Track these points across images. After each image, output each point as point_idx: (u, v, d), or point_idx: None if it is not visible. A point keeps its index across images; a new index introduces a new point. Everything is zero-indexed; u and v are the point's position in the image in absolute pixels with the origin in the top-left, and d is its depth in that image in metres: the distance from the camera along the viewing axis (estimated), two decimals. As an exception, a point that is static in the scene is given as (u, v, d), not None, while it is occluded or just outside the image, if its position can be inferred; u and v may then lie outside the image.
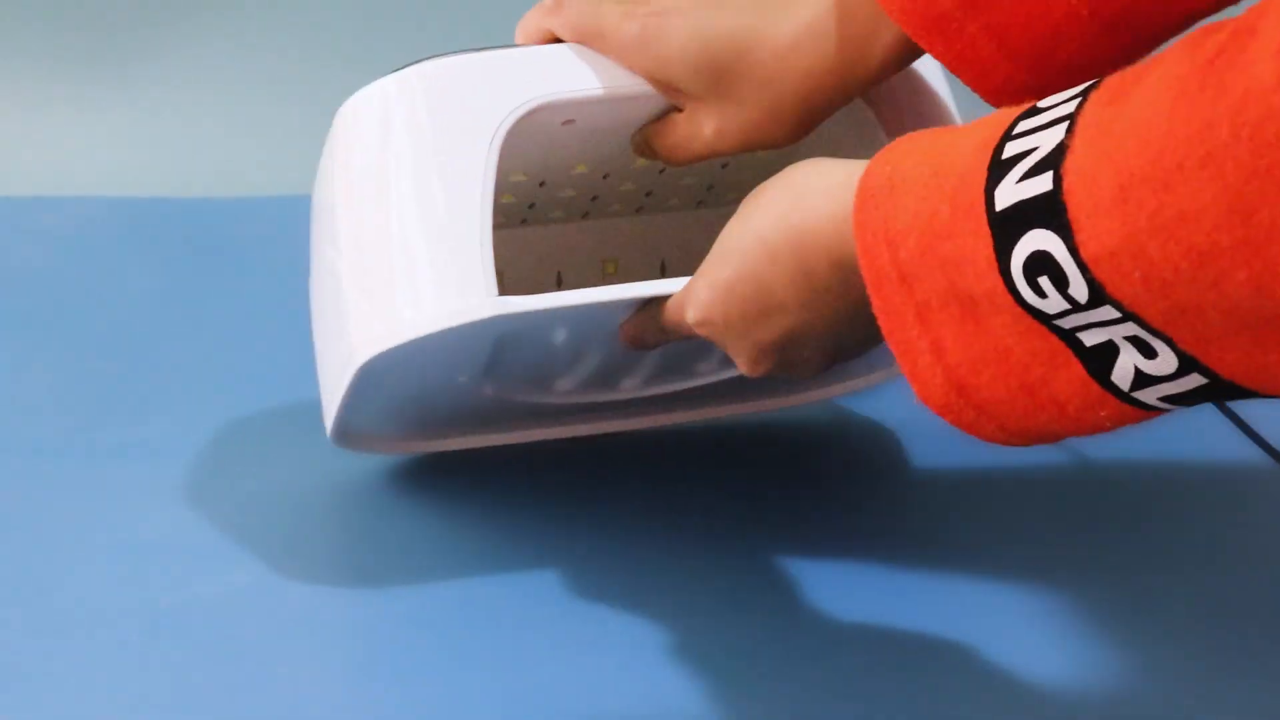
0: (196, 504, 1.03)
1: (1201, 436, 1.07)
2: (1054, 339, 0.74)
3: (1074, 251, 0.70)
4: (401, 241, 0.91)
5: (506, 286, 1.00)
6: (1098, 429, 0.77)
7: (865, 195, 0.79)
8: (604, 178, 1.01)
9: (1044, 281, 0.72)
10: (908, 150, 0.79)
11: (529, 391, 0.99)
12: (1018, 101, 0.80)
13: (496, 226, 1.01)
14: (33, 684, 0.89)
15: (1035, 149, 0.73)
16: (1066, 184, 0.71)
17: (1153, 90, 0.70)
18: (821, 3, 0.90)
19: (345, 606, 0.95)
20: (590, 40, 0.93)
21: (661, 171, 1.01)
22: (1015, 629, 0.93)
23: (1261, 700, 0.88)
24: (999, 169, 0.74)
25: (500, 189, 0.97)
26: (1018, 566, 0.98)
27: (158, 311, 1.29)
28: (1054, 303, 0.72)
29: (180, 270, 1.36)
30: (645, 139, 0.95)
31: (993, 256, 0.73)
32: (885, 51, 0.90)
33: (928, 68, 0.96)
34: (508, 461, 1.05)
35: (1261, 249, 0.66)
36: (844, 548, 0.98)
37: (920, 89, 0.97)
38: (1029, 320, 0.74)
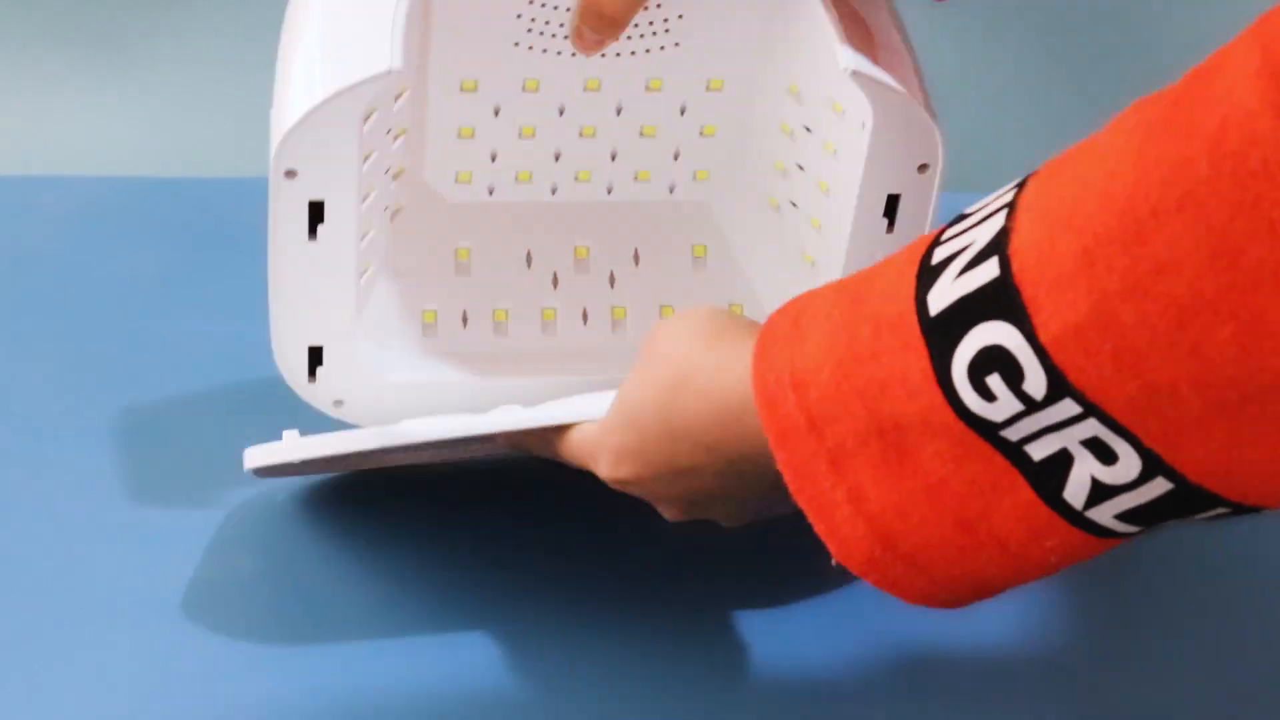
0: (199, 485, 1.02)
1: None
2: (998, 459, 0.68)
3: (1032, 337, 0.64)
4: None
5: (473, 263, 1.00)
6: (1041, 568, 0.70)
7: (765, 343, 0.73)
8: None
9: (993, 381, 0.66)
10: (814, 294, 0.74)
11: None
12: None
13: (463, 201, 1.00)
14: (34, 664, 0.89)
15: (970, 244, 0.67)
16: (1016, 265, 0.65)
17: (1109, 146, 0.64)
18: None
19: (356, 586, 0.95)
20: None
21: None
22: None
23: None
24: (929, 274, 0.68)
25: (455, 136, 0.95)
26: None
27: (159, 292, 1.28)
28: (1004, 406, 0.66)
29: (182, 251, 1.35)
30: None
31: (929, 367, 0.67)
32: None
33: None
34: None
35: (1248, 297, 0.60)
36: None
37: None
38: (970, 440, 0.68)
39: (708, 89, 0.98)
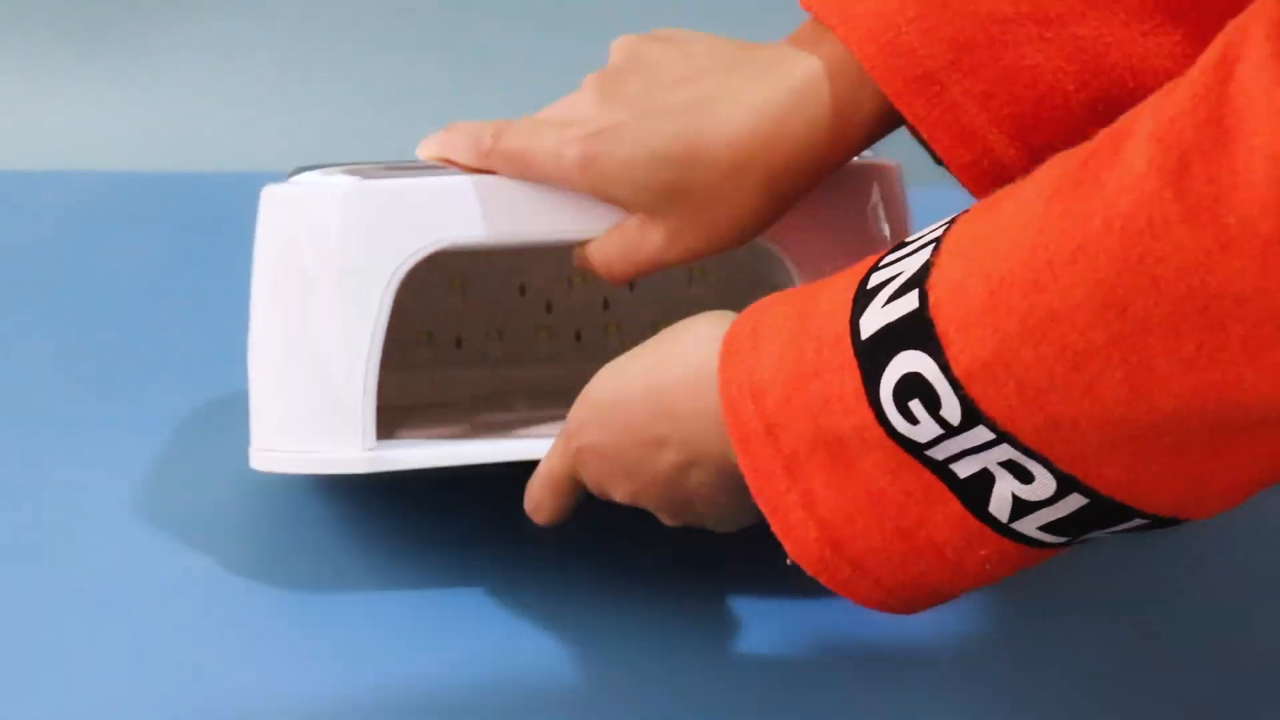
0: (196, 477, 1.03)
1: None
2: (926, 475, 0.71)
3: (945, 368, 0.68)
4: (288, 367, 0.92)
5: (468, 294, 1.00)
6: (979, 576, 0.74)
7: (729, 352, 0.76)
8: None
9: (915, 406, 0.69)
10: (773, 301, 0.77)
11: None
12: (986, 183, 0.78)
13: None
14: (30, 654, 0.89)
15: (900, 274, 0.71)
16: (933, 299, 0.69)
17: (1025, 196, 0.67)
18: (783, 80, 0.84)
19: (350, 577, 0.95)
20: (529, 175, 0.88)
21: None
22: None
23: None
24: (864, 298, 0.72)
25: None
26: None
27: (159, 286, 1.29)
28: (926, 429, 0.70)
29: (181, 245, 1.36)
30: (585, 255, 0.90)
31: (861, 388, 0.71)
32: (865, 123, 0.84)
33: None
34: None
35: (1137, 344, 0.63)
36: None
37: None
38: (901, 455, 0.71)
39: None
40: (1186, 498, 0.69)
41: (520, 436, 0.95)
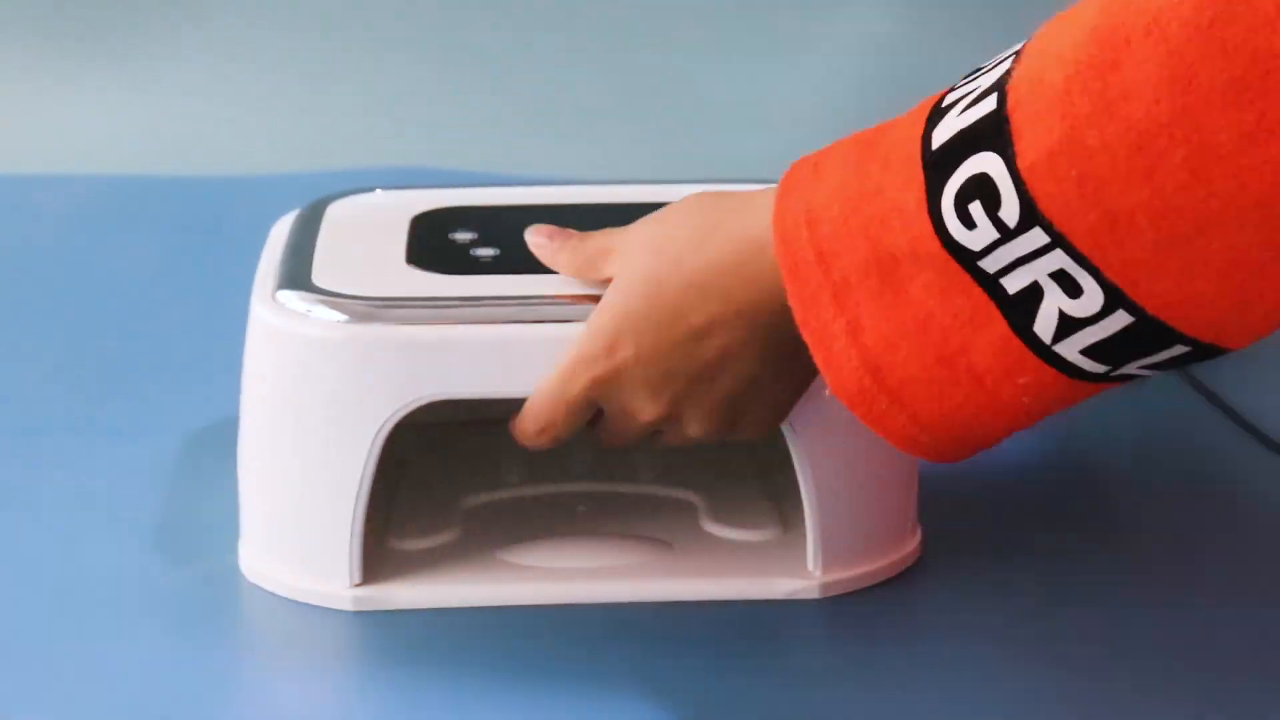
0: (197, 482, 1.02)
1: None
2: (976, 291, 0.71)
3: (1011, 164, 0.69)
4: (275, 496, 0.92)
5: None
6: (1015, 410, 0.74)
7: (788, 186, 0.76)
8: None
9: (975, 209, 0.70)
10: (837, 143, 0.77)
11: None
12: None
13: None
14: (30, 660, 0.88)
15: (978, 86, 0.72)
16: (1011, 99, 0.69)
17: None
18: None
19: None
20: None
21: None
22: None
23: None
24: (938, 115, 0.73)
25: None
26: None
27: (158, 290, 1.28)
28: (982, 233, 0.70)
29: (180, 249, 1.35)
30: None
31: (923, 198, 0.71)
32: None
33: None
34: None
35: (1200, 120, 0.64)
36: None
37: None
38: (953, 270, 0.71)
39: None
40: (1230, 320, 0.69)
41: (511, 562, 0.94)
